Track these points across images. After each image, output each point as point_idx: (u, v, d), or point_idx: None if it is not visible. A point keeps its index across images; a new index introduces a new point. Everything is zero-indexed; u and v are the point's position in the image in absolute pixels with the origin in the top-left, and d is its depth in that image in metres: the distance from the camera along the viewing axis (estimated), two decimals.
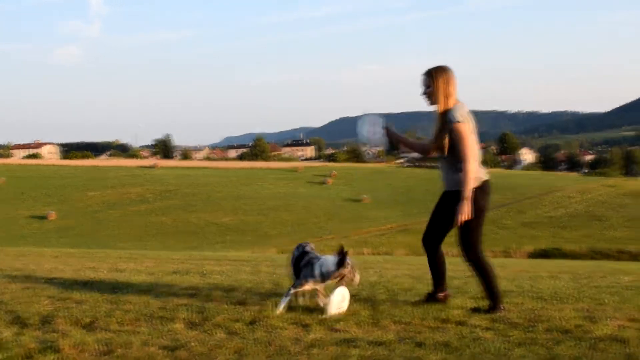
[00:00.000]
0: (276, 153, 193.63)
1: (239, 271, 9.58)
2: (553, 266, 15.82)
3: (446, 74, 5.62)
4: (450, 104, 5.56)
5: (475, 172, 5.50)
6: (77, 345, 4.15)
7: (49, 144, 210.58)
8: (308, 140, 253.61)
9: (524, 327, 4.95)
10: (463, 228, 5.59)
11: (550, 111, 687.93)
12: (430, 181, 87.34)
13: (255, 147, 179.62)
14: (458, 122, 5.44)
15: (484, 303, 5.68)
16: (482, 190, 5.59)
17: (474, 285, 7.77)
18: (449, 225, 5.73)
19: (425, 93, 5.69)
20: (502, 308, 5.59)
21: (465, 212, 5.44)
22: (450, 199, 5.69)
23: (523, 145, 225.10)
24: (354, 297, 6.27)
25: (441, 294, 6.03)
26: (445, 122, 5.52)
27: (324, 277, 5.50)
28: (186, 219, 63.37)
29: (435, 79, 5.59)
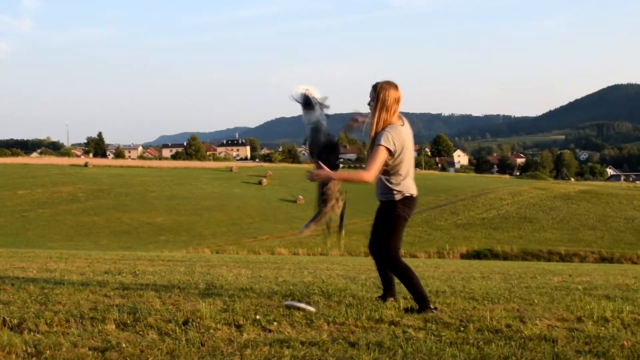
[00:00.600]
0: (211, 153, 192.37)
1: (173, 271, 9.51)
2: (485, 267, 16.11)
3: (390, 91, 5.84)
4: (381, 126, 5.84)
5: (403, 187, 5.85)
6: (4, 347, 4.06)
7: None
8: (243, 140, 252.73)
9: (455, 327, 5.01)
10: (379, 231, 6.04)
11: (484, 114, 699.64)
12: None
13: (190, 147, 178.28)
14: (381, 145, 5.71)
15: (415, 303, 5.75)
16: (406, 202, 5.91)
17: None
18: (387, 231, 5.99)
19: (369, 104, 5.92)
20: (432, 308, 5.71)
21: (317, 175, 6.07)
22: (381, 207, 6.05)
23: (457, 147, 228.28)
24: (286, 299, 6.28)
25: (391, 298, 6.20)
26: (373, 140, 5.83)
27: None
28: (119, 218, 62.57)
29: (377, 94, 5.83)
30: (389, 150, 5.71)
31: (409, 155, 5.88)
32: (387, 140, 5.72)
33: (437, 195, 76.53)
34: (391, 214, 5.92)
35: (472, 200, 70.09)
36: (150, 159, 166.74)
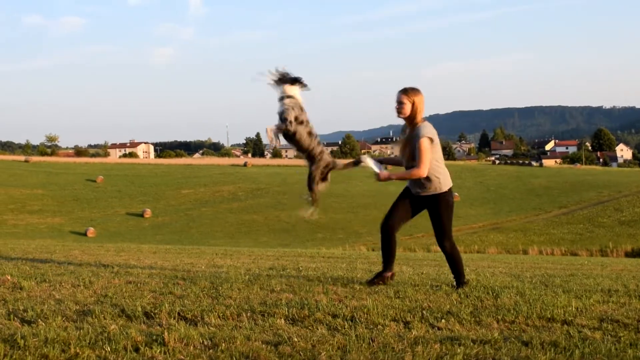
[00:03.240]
0: (366, 151, 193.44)
1: (335, 268, 9.58)
2: None
3: (420, 95, 6.66)
4: (419, 121, 6.63)
5: (444, 178, 6.66)
6: (182, 339, 4.20)
7: (144, 143, 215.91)
8: (397, 138, 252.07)
9: (634, 328, 4.78)
10: (437, 222, 6.72)
11: None
12: (521, 179, 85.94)
13: (345, 145, 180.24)
14: (423, 137, 6.46)
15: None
16: (449, 192, 6.76)
17: (577, 285, 7.58)
18: (408, 219, 6.99)
19: (397, 108, 6.69)
20: (465, 282, 6.82)
21: (383, 176, 6.77)
22: (423, 200, 6.80)
23: (619, 141, 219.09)
24: (456, 294, 6.21)
25: (389, 273, 6.94)
26: (412, 136, 6.60)
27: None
28: (277, 216, 63.99)
29: (409, 97, 6.61)
30: (431, 140, 6.49)
31: (439, 148, 6.69)
32: (430, 132, 6.49)
33: (599, 191, 73.65)
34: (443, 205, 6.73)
35: (637, 196, 66.90)
36: None
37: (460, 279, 6.80)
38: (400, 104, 6.61)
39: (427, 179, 6.56)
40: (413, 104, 6.57)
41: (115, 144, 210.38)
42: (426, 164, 6.45)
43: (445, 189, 6.64)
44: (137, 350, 3.98)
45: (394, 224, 6.84)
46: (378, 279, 6.88)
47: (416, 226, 55.74)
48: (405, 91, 6.62)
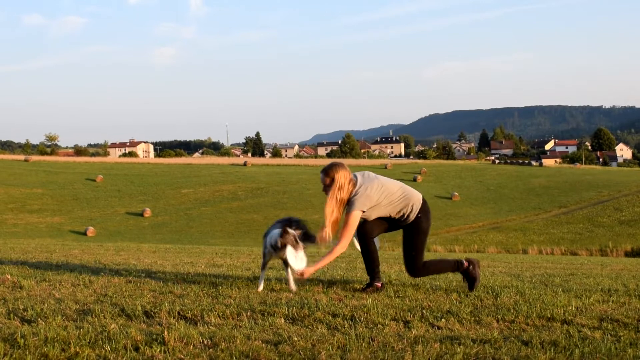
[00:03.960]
0: (365, 150, 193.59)
1: (334, 267, 9.59)
2: None
3: (341, 170, 6.54)
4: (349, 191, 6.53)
5: (411, 209, 6.57)
6: (182, 338, 4.20)
7: (144, 142, 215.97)
8: (397, 138, 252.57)
9: (633, 327, 4.78)
10: (408, 249, 6.62)
11: None
12: (521, 178, 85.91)
13: (345, 145, 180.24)
14: (353, 211, 6.47)
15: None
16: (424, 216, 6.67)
17: (577, 284, 7.58)
18: (385, 229, 6.76)
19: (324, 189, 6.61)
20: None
21: (307, 275, 6.47)
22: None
23: (619, 141, 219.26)
24: (457, 293, 6.21)
25: (378, 284, 6.66)
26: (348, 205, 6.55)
27: (274, 247, 6.35)
28: (277, 216, 63.53)
29: (328, 176, 6.54)
30: (363, 211, 6.48)
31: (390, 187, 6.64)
32: (361, 203, 6.46)
33: (599, 190, 73.67)
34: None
35: (637, 196, 66.91)
36: (306, 157, 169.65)
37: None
38: (323, 183, 6.60)
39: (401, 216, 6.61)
40: (332, 180, 6.49)
41: (115, 144, 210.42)
42: (348, 238, 6.45)
43: (412, 217, 6.57)
44: (137, 349, 3.98)
45: (368, 231, 6.67)
46: (369, 288, 6.60)
47: None
48: (324, 170, 6.59)
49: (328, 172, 6.51)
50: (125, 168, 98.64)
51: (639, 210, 60.08)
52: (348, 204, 6.49)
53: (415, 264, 6.57)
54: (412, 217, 6.55)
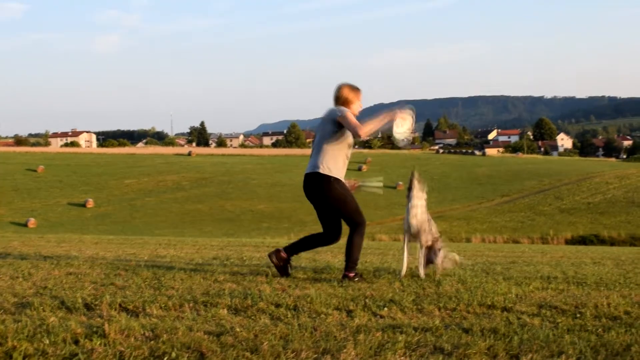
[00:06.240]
0: (311, 140, 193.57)
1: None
2: (594, 252, 15.66)
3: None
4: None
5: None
6: (123, 331, 4.15)
7: (86, 132, 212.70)
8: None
9: (571, 314, 4.87)
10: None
11: (588, 96, 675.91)
12: (464, 168, 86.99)
13: (290, 134, 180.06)
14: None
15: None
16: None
17: (517, 272, 7.70)
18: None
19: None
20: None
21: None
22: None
23: (560, 130, 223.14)
24: (399, 282, 6.25)
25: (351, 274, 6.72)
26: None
27: None
28: (222, 206, 63.73)
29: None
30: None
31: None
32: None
33: (540, 179, 74.99)
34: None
35: (577, 185, 68.30)
36: (251, 147, 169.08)
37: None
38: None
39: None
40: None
41: (56, 133, 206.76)
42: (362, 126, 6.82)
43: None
44: (76, 342, 3.91)
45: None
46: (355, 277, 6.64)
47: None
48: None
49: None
50: (68, 158, 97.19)
51: (579, 199, 61.31)
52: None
53: None
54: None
